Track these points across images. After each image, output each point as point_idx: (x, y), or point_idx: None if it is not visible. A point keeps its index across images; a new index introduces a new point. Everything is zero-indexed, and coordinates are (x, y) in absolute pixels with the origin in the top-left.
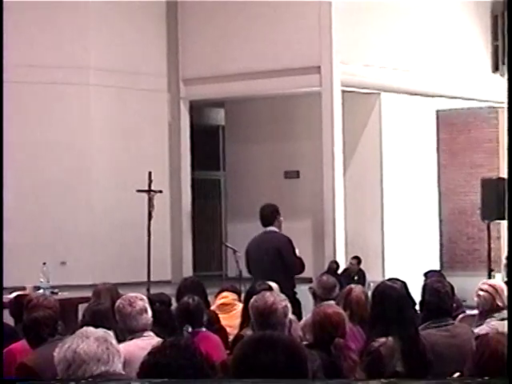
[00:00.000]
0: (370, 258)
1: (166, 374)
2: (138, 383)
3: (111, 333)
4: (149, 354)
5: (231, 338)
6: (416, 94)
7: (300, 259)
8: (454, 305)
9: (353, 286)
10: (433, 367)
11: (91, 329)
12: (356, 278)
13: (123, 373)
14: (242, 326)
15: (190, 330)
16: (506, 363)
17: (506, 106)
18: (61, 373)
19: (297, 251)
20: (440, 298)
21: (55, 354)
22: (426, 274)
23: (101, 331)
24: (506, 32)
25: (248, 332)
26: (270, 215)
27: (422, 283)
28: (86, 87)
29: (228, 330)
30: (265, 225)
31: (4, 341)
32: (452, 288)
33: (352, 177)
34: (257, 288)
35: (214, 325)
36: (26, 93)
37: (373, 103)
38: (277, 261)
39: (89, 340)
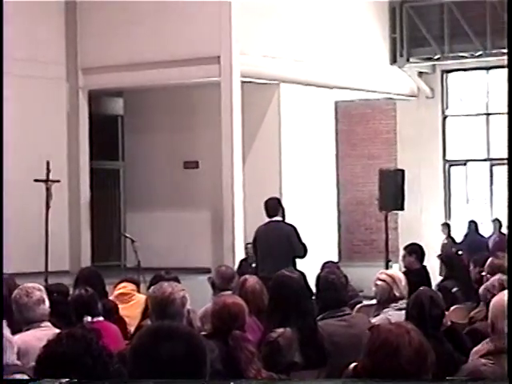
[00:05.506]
0: None
1: (62, 364)
2: None
3: (4, 323)
4: (45, 345)
5: (130, 328)
6: (315, 85)
7: (304, 244)
8: (350, 293)
9: (247, 276)
10: (331, 357)
11: None
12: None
13: (19, 363)
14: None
15: (89, 319)
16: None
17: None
18: None
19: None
20: (336, 290)
21: None
22: (323, 266)
23: None
24: (404, 24)
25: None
26: (275, 206)
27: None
28: None
29: (127, 320)
30: (270, 215)
31: None
32: (346, 278)
33: (251, 167)
34: (164, 277)
35: (114, 315)
36: None
37: (272, 94)
38: (285, 246)
39: None
